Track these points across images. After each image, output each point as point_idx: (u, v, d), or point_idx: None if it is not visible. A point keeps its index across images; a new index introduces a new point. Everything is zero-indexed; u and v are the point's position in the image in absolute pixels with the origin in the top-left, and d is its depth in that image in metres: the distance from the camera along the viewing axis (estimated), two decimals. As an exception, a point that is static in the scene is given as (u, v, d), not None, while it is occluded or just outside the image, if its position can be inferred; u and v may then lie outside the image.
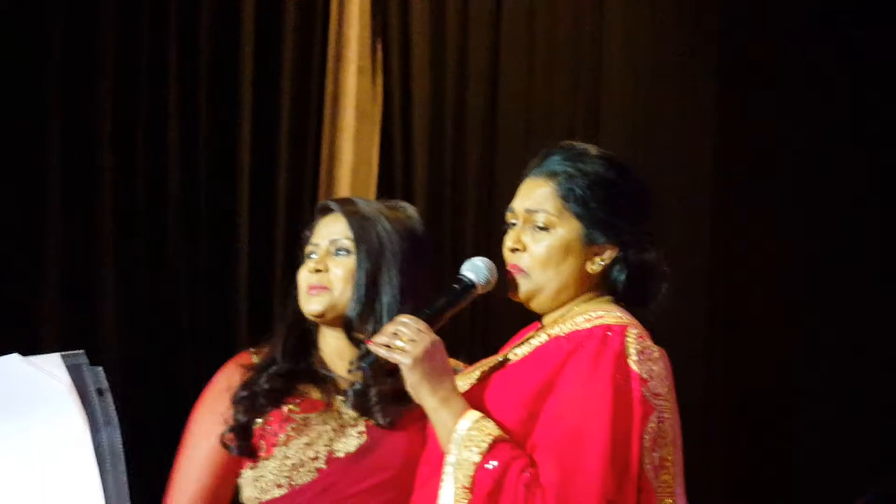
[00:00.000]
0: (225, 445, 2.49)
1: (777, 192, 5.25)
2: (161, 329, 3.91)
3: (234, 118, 4.03)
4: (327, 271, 2.54)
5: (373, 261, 2.54)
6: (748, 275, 5.26)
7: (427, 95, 4.44)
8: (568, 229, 2.33)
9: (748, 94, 5.26)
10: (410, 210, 2.66)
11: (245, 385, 2.53)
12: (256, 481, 2.47)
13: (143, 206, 3.89)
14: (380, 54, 4.34)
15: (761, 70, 5.25)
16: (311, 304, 2.54)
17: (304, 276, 2.56)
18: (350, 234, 2.55)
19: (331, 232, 2.58)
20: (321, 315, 2.54)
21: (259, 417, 2.49)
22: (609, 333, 2.24)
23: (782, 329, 5.22)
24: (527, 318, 2.48)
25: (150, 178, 3.91)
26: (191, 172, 3.97)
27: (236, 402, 2.51)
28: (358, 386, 2.50)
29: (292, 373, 2.54)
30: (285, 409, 2.50)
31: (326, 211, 2.62)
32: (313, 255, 2.58)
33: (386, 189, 4.31)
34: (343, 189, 4.21)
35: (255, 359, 2.59)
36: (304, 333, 2.59)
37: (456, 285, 2.38)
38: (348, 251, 2.55)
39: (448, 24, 4.49)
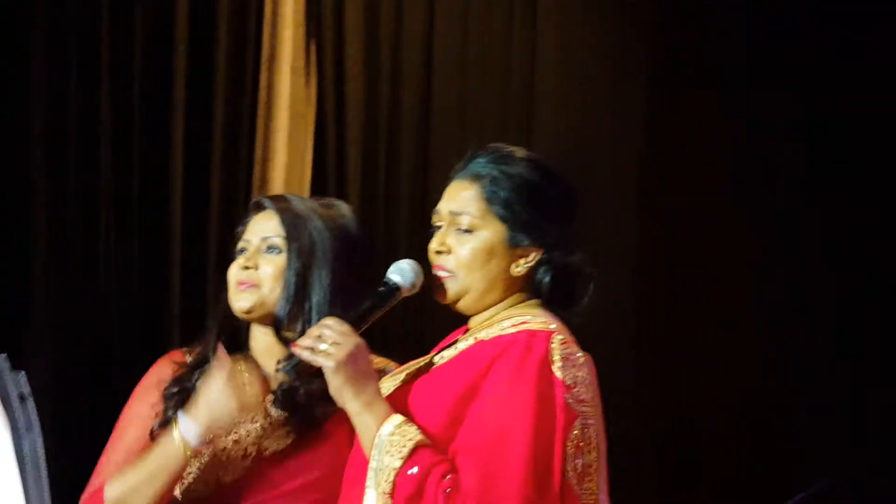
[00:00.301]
0: (154, 439, 2.46)
1: (704, 194, 5.31)
2: (92, 328, 3.88)
3: (167, 118, 4.01)
4: (257, 269, 2.53)
5: (303, 259, 2.53)
6: (676, 273, 5.31)
7: (361, 97, 4.45)
8: (492, 232, 2.34)
9: (678, 96, 5.31)
10: (344, 209, 2.66)
11: (176, 381, 2.51)
12: (184, 478, 2.44)
13: (74, 205, 3.86)
14: (314, 56, 4.34)
15: (692, 71, 5.31)
16: (239, 301, 2.53)
17: (234, 273, 2.55)
18: (282, 231, 2.54)
19: (262, 229, 2.56)
20: (249, 312, 2.52)
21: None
22: (533, 339, 2.24)
23: (713, 329, 5.28)
24: (461, 320, 2.49)
25: (82, 178, 3.88)
26: (124, 173, 3.94)
27: (167, 397, 2.49)
28: (285, 386, 2.50)
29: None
30: None
31: (259, 208, 2.60)
32: (244, 252, 2.57)
33: (319, 190, 4.29)
34: (276, 190, 4.18)
35: (187, 357, 2.58)
36: (235, 331, 2.58)
37: (381, 288, 2.39)
38: (279, 249, 2.54)
39: (382, 26, 4.50)
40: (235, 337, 2.58)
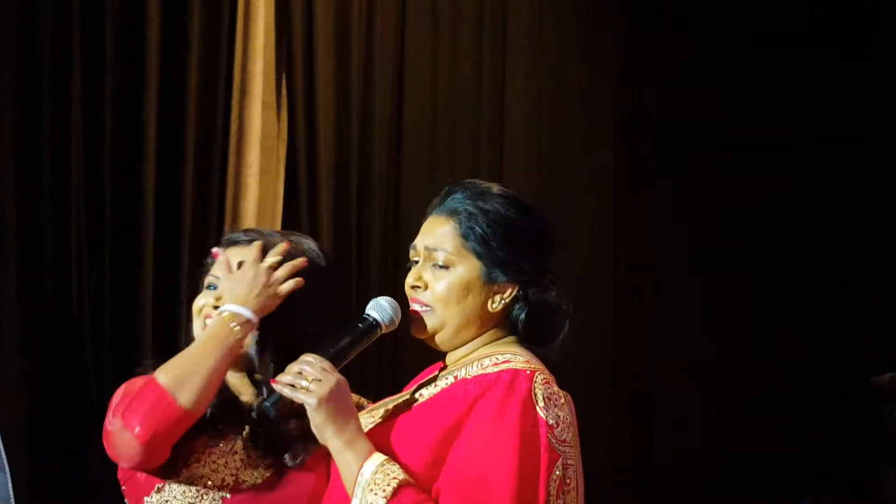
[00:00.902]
0: None
1: (680, 209, 5.36)
2: (64, 366, 3.85)
3: (139, 153, 3.99)
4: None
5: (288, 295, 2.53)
6: (650, 256, 5.35)
7: (332, 130, 4.47)
8: (467, 268, 2.33)
9: (651, 80, 5.37)
10: (312, 244, 2.63)
11: None
12: None
13: (48, 244, 3.83)
14: (285, 90, 4.35)
15: (663, 68, 5.37)
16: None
17: (203, 309, 2.50)
18: None
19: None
20: None
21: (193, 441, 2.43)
22: (516, 379, 2.23)
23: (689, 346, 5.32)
24: (435, 355, 2.48)
25: (55, 217, 3.85)
26: (96, 209, 3.92)
27: None
28: (262, 425, 2.49)
29: (227, 402, 2.48)
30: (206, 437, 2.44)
31: (231, 243, 2.56)
32: (213, 288, 2.52)
33: (291, 223, 4.30)
34: (249, 224, 4.18)
35: None
36: None
37: (360, 324, 2.37)
38: None
39: (353, 60, 4.51)
40: None
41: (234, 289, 2.42)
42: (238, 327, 2.39)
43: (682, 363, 5.27)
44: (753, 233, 5.49)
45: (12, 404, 3.64)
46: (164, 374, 2.34)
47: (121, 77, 3.96)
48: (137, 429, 2.31)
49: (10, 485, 2.18)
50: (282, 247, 2.48)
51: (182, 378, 2.33)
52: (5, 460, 2.29)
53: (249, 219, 4.22)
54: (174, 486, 2.42)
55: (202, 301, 2.53)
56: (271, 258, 2.45)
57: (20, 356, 3.75)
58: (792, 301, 5.40)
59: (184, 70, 4.10)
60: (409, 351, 4.20)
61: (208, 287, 2.55)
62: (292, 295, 2.48)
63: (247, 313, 2.40)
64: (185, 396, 2.33)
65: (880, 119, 5.44)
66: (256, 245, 2.47)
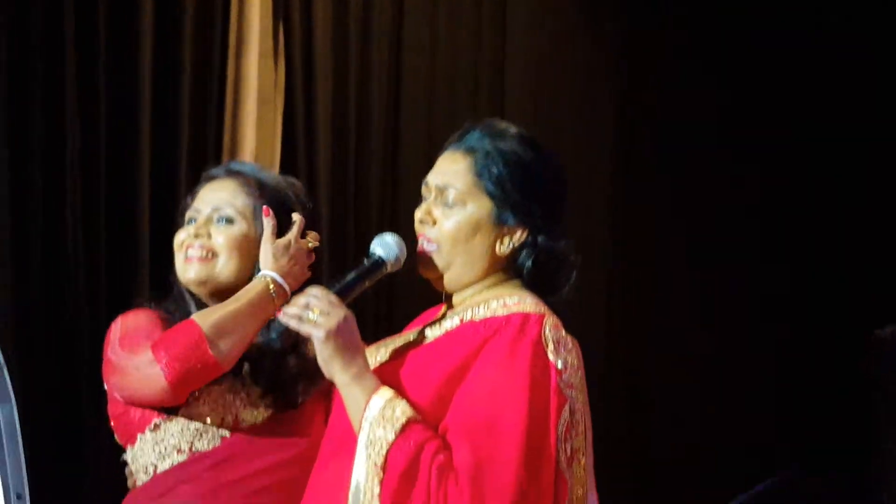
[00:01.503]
0: None
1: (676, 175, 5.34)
2: (59, 321, 3.80)
3: (134, 105, 3.93)
4: (209, 237, 2.49)
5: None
6: (648, 250, 5.34)
7: (330, 80, 4.41)
8: (478, 207, 2.31)
9: (653, 68, 5.35)
10: (300, 188, 2.64)
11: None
12: (157, 444, 2.40)
13: (39, 197, 3.77)
14: (282, 39, 4.29)
15: (666, 42, 5.35)
16: (189, 272, 2.48)
17: (183, 240, 2.50)
18: (237, 201, 2.50)
19: (214, 199, 2.52)
20: (202, 283, 2.48)
21: None
22: (527, 322, 2.22)
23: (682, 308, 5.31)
24: (432, 299, 2.46)
25: (48, 169, 3.78)
26: (90, 160, 3.85)
27: None
28: (261, 362, 2.46)
29: None
30: None
31: (210, 178, 2.57)
32: (193, 222, 2.51)
33: (289, 175, 4.25)
34: (246, 175, 4.14)
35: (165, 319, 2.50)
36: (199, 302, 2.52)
37: (365, 261, 2.36)
38: (231, 220, 2.50)
39: (351, 8, 4.46)
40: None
41: (278, 259, 2.43)
42: (276, 296, 2.40)
43: (679, 358, 5.27)
44: (751, 226, 5.46)
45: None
46: (205, 321, 2.34)
47: (115, 26, 3.89)
48: (170, 366, 2.30)
49: (16, 416, 2.17)
50: (315, 234, 2.54)
51: (222, 329, 2.34)
52: (11, 392, 2.27)
53: (246, 170, 4.18)
54: (171, 424, 2.41)
55: (183, 235, 2.52)
56: (312, 241, 2.51)
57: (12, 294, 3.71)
58: (791, 282, 5.41)
59: (179, 20, 4.03)
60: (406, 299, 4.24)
61: (189, 222, 2.53)
62: None
63: (285, 285, 2.42)
64: (222, 348, 2.33)
65: (879, 118, 5.42)
66: (299, 221, 2.50)
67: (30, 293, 3.71)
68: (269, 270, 2.42)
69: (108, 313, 3.69)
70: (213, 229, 2.49)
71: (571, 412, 2.20)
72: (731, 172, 5.47)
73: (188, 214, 2.53)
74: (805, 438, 5.01)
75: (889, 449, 4.14)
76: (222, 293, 2.47)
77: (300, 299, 2.24)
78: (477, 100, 4.88)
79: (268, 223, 2.46)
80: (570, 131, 5.14)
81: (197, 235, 2.47)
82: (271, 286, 2.40)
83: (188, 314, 2.45)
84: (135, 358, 2.36)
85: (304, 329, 2.21)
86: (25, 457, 2.26)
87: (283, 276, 2.41)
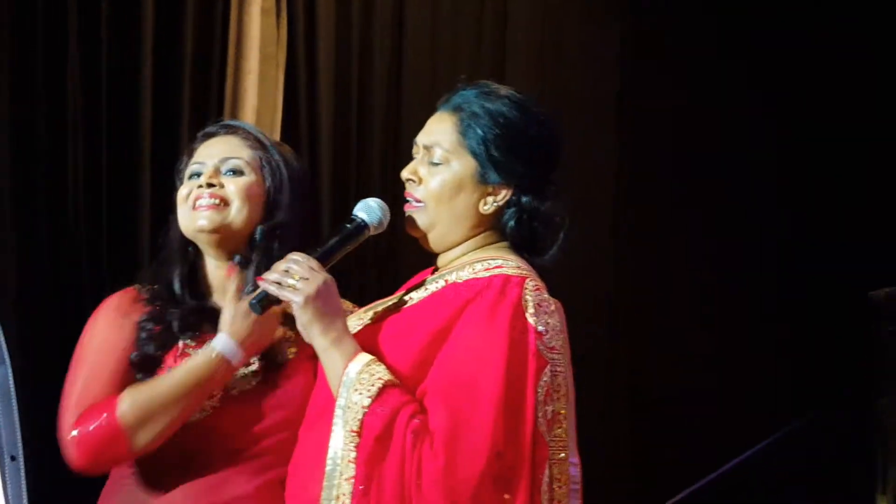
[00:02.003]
0: (132, 361, 2.41)
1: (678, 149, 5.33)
2: (61, 283, 3.81)
3: (136, 64, 3.92)
4: (222, 187, 2.48)
5: (276, 182, 2.51)
6: (653, 229, 5.34)
7: (332, 37, 4.39)
8: (462, 165, 2.32)
9: (651, 42, 5.32)
10: (292, 155, 2.63)
11: (154, 316, 2.45)
12: None
13: (44, 159, 3.76)
14: (284, -6, 4.28)
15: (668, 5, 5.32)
16: (200, 220, 2.46)
17: (193, 191, 2.47)
18: (245, 154, 2.51)
19: (221, 151, 2.51)
20: (214, 231, 2.46)
21: (166, 351, 2.43)
22: (507, 284, 2.23)
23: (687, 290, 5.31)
24: (424, 262, 2.48)
25: (51, 128, 3.77)
26: (92, 119, 3.85)
27: (148, 332, 2.43)
28: None
29: (201, 307, 2.48)
30: (180, 343, 2.44)
31: (210, 135, 2.57)
32: (198, 175, 2.50)
33: (291, 132, 4.26)
34: (247, 133, 4.14)
35: (143, 295, 2.52)
36: (192, 266, 2.53)
37: (348, 225, 2.37)
38: (242, 172, 2.50)
39: (353, -36, 4.44)
40: (193, 273, 2.53)
41: (237, 322, 2.35)
42: (224, 371, 2.34)
43: (681, 357, 5.26)
44: (743, 198, 5.44)
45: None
46: (131, 407, 2.30)
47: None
48: (80, 451, 2.31)
49: (10, 377, 2.19)
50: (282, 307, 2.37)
51: (147, 417, 2.31)
52: (6, 353, 2.29)
53: (248, 127, 4.17)
54: None
55: (186, 189, 2.50)
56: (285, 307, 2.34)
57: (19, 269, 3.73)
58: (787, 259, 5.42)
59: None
60: (399, 258, 4.26)
61: (192, 176, 2.51)
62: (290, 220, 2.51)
63: (237, 353, 2.35)
64: (141, 439, 2.31)
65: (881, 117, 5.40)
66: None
67: (31, 254, 3.72)
68: (224, 333, 2.35)
69: (111, 274, 3.79)
70: (223, 179, 2.49)
71: (553, 375, 2.21)
72: (739, 165, 5.44)
73: (190, 170, 2.52)
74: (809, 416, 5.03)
75: (886, 405, 4.16)
76: (231, 241, 2.48)
77: (280, 265, 2.25)
78: (480, 51, 4.85)
79: (232, 281, 2.41)
80: (574, 82, 5.12)
81: (208, 185, 2.46)
82: (217, 363, 2.33)
83: (170, 284, 2.48)
84: (62, 416, 2.36)
85: (284, 294, 2.23)
86: (20, 419, 2.28)
87: (239, 339, 2.35)
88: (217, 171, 2.49)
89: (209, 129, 2.60)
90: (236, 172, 2.50)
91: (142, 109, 3.94)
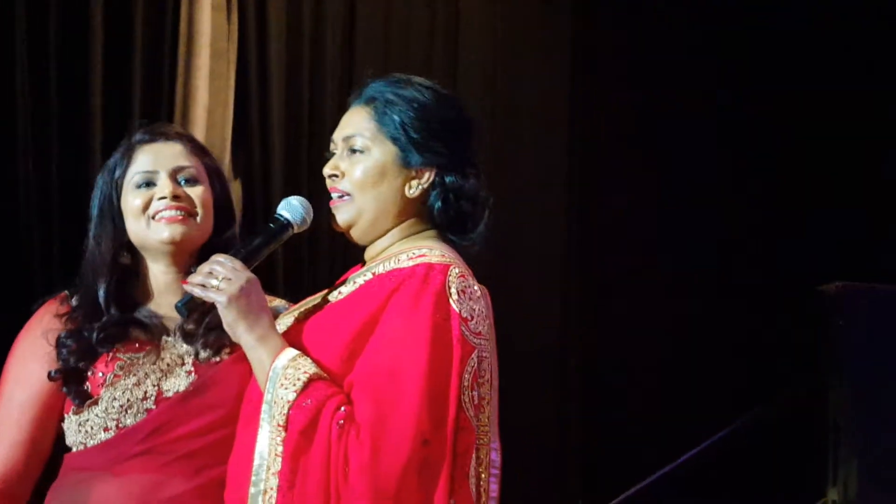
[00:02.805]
0: (51, 378, 2.42)
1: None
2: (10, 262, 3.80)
3: (86, 59, 3.91)
4: (185, 198, 2.47)
5: (222, 188, 2.54)
6: (605, 211, 5.34)
7: (283, 32, 4.39)
8: (382, 152, 2.33)
9: (604, 26, 5.33)
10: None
11: (73, 333, 2.45)
12: (82, 426, 2.41)
13: None
14: (235, -9, 4.27)
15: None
16: (167, 231, 2.45)
17: (159, 203, 2.45)
18: (197, 161, 2.51)
19: (172, 159, 2.50)
20: (180, 243, 2.46)
21: (90, 363, 2.42)
22: (430, 272, 2.23)
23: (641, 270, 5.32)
24: (352, 259, 2.48)
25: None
26: (41, 115, 3.83)
27: (67, 348, 2.43)
28: (185, 321, 2.47)
29: (124, 319, 2.47)
30: (111, 350, 2.43)
31: (148, 140, 2.53)
32: (151, 185, 2.48)
33: (242, 129, 4.26)
34: (198, 130, 4.13)
35: (68, 304, 2.51)
36: (122, 274, 2.51)
37: (272, 224, 2.39)
38: (196, 180, 2.50)
39: (303, -41, 4.43)
40: (123, 281, 2.51)
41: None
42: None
43: (633, 352, 5.27)
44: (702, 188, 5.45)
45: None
46: None
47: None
48: None
49: None
50: None
51: None
52: None
53: (200, 125, 4.16)
54: (92, 406, 2.41)
55: (141, 200, 2.47)
56: None
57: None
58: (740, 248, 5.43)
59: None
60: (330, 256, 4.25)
61: (143, 185, 2.48)
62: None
63: None
64: None
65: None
66: None
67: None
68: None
69: (62, 276, 3.75)
70: (183, 190, 2.48)
71: (479, 360, 2.22)
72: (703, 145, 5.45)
73: (136, 179, 2.49)
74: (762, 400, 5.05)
75: (836, 399, 4.18)
76: (189, 250, 2.49)
77: (204, 267, 2.27)
78: (433, 43, 4.86)
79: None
80: (525, 79, 5.13)
81: (175, 196, 2.46)
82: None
83: (95, 298, 2.47)
84: None
85: (208, 296, 2.24)
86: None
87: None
88: (175, 181, 2.48)
89: (143, 135, 2.55)
90: (192, 181, 2.50)
91: (92, 107, 3.93)
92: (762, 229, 5.36)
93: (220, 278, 2.24)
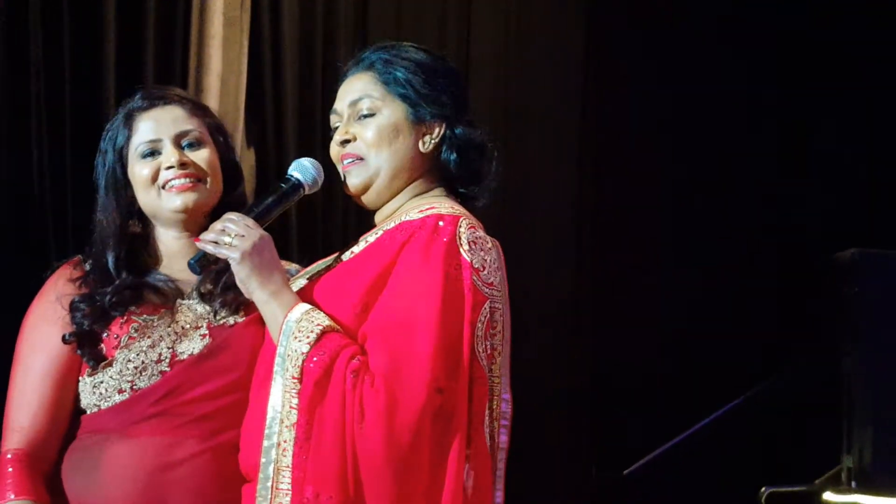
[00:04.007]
0: (66, 341, 2.44)
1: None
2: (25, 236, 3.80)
3: (99, 27, 3.89)
4: (192, 165, 2.49)
5: (227, 146, 2.56)
6: (619, 200, 5.34)
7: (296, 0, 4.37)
8: (393, 109, 2.35)
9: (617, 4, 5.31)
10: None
11: (86, 297, 2.46)
12: (96, 388, 2.43)
13: (4, 133, 3.75)
14: (248, -42, 4.25)
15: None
16: (180, 199, 2.47)
17: (169, 173, 2.47)
18: (202, 125, 2.53)
19: (177, 123, 2.51)
20: (193, 210, 2.48)
21: (104, 326, 2.45)
22: (441, 223, 2.24)
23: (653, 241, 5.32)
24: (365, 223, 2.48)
25: (11, 97, 3.75)
26: (54, 83, 3.82)
27: (81, 311, 2.44)
28: (202, 282, 2.48)
29: (136, 283, 2.49)
30: (126, 313, 2.45)
31: (148, 107, 2.54)
32: (155, 153, 2.49)
33: (255, 97, 4.25)
34: (212, 98, 4.12)
35: (82, 268, 2.52)
36: (132, 242, 2.53)
37: (283, 184, 2.40)
38: (202, 143, 2.51)
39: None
40: (134, 246, 2.53)
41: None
42: None
43: (647, 319, 5.26)
44: (711, 160, 5.43)
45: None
46: None
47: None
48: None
49: None
50: None
51: None
52: None
53: (213, 94, 4.15)
54: (107, 368, 2.43)
55: (148, 170, 2.49)
56: None
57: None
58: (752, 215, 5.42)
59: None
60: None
61: (149, 154, 2.50)
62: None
63: None
64: None
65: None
66: None
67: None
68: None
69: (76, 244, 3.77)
70: (189, 155, 2.49)
71: (491, 310, 2.23)
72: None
73: (141, 148, 2.50)
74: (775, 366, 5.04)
75: (850, 366, 4.17)
76: (201, 215, 2.50)
77: (217, 224, 2.29)
78: (445, 20, 4.84)
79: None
80: (539, 60, 5.11)
81: (182, 164, 2.47)
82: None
83: (105, 266, 2.48)
84: (4, 424, 2.48)
85: (221, 252, 2.26)
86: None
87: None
88: (179, 147, 2.49)
89: (141, 101, 2.56)
90: (196, 145, 2.51)
91: (105, 76, 3.91)
92: (777, 196, 5.34)
93: (233, 235, 2.26)
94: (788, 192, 5.35)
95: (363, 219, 2.55)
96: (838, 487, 4.06)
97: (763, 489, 4.15)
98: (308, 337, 2.17)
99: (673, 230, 5.32)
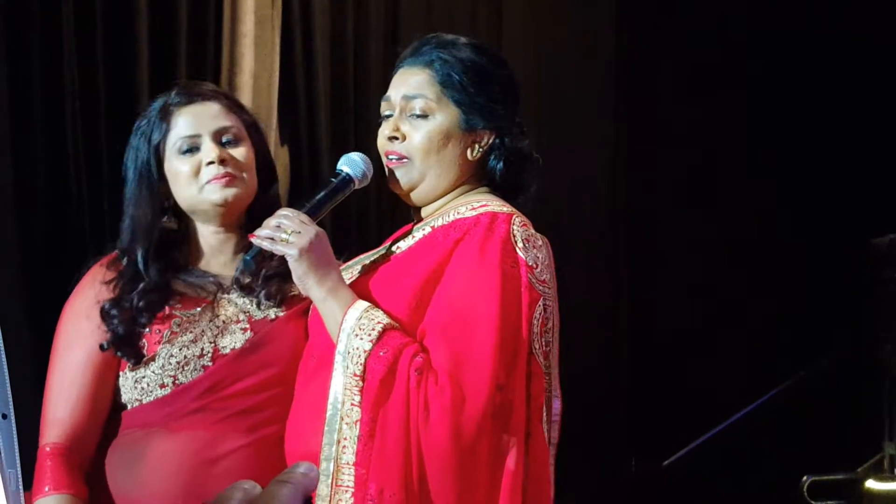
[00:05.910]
0: (103, 349, 2.45)
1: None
2: (62, 230, 3.81)
3: (132, 27, 3.89)
4: (232, 160, 2.49)
5: (262, 143, 2.57)
6: (652, 183, 5.32)
7: (328, -2, 4.38)
8: (446, 116, 2.33)
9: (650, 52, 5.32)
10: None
11: (116, 302, 2.46)
12: (138, 382, 2.43)
13: (39, 120, 3.75)
14: (278, -44, 4.26)
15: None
16: (220, 193, 2.48)
17: (210, 169, 2.47)
18: (239, 122, 2.53)
19: (215, 120, 2.51)
20: (232, 205, 2.49)
21: (140, 327, 2.45)
22: (495, 220, 2.24)
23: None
24: (401, 219, 2.49)
25: (47, 95, 3.74)
26: (88, 84, 3.83)
27: (115, 319, 2.45)
28: (244, 275, 2.49)
29: (165, 283, 2.49)
30: (167, 308, 2.46)
31: (191, 101, 2.54)
32: (194, 150, 2.50)
33: (288, 95, 4.25)
34: (245, 97, 4.12)
35: (116, 266, 2.53)
36: (164, 237, 2.53)
37: (333, 179, 2.39)
38: (240, 140, 2.52)
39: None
40: (165, 243, 2.53)
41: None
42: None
43: (682, 309, 5.25)
44: (740, 143, 5.41)
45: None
46: None
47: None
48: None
49: None
50: None
51: None
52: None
53: (246, 92, 4.15)
54: (150, 363, 2.44)
55: (189, 167, 2.49)
56: None
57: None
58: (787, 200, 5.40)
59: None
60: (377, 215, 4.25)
61: (189, 150, 2.50)
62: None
63: None
64: None
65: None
66: None
67: (33, 215, 3.71)
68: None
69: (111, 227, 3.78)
70: (228, 151, 2.50)
71: (545, 308, 2.23)
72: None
73: (179, 144, 2.50)
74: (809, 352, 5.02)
75: (890, 353, 4.15)
76: (240, 210, 2.52)
77: (272, 220, 2.27)
78: (476, 17, 4.84)
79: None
80: (570, 52, 5.10)
81: (222, 161, 2.47)
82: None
83: (135, 262, 2.49)
84: (42, 418, 2.48)
85: (278, 249, 2.25)
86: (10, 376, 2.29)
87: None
88: (219, 144, 2.49)
89: (179, 96, 2.55)
90: (234, 142, 2.51)
91: (138, 77, 3.91)
92: (815, 181, 5.32)
93: (290, 231, 2.25)
94: (821, 180, 5.32)
95: (398, 213, 2.54)
96: (880, 475, 4.04)
97: (805, 478, 4.12)
98: (370, 335, 2.17)
99: (717, 222, 5.31)
